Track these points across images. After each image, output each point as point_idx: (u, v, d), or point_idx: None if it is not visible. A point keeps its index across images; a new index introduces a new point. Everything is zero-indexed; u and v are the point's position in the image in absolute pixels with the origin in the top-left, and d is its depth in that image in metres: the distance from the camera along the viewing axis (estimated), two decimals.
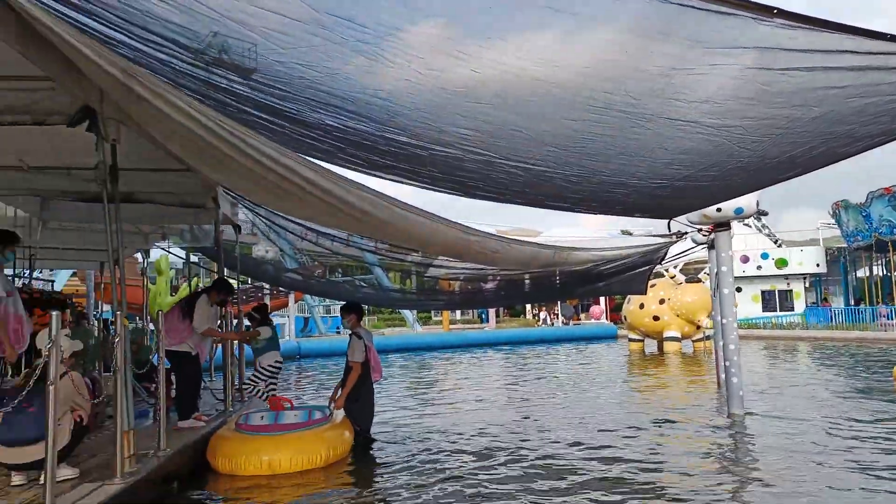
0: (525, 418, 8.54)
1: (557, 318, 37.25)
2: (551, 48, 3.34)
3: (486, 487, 5.21)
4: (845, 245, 28.72)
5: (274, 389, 7.74)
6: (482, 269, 9.76)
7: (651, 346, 20.09)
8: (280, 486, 5.45)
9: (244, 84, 3.98)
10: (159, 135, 4.54)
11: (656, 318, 19.05)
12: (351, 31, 3.12)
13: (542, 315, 37.37)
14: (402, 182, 5.42)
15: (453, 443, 7.05)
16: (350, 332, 7.19)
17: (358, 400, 6.88)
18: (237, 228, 8.98)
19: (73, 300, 10.30)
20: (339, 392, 6.96)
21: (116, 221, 4.71)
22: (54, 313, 3.65)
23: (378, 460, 6.38)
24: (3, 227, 5.84)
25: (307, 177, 4.26)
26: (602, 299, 36.08)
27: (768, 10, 2.78)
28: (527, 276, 10.34)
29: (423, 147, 4.37)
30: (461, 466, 5.94)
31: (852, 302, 29.42)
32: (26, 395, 3.95)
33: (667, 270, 20.89)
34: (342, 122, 4.07)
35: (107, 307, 13.30)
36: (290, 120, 4.29)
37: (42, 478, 3.63)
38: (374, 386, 7.18)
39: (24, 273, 10.16)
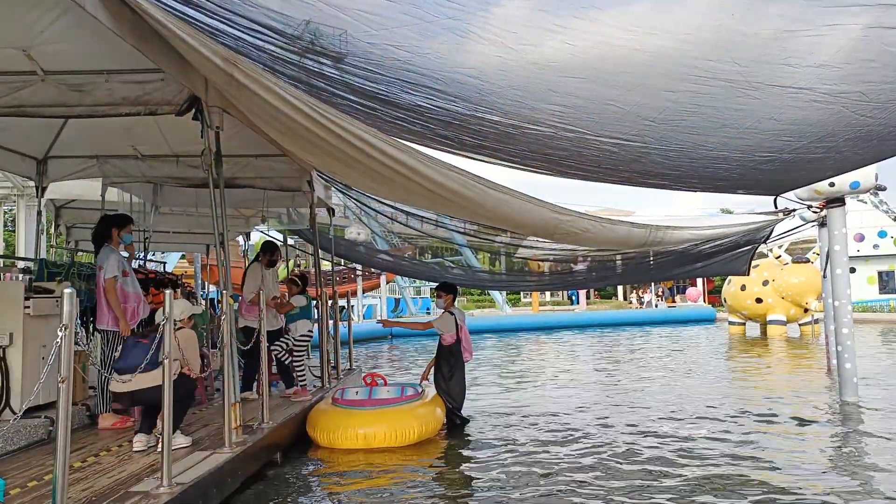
0: (616, 403, 8.36)
1: (661, 298, 35.78)
2: (649, 14, 3.19)
3: (572, 474, 5.13)
4: None
5: (302, 360, 7.18)
6: (572, 249, 9.58)
7: (753, 330, 19.12)
8: (375, 458, 5.62)
9: (336, 68, 4.06)
10: (259, 121, 4.73)
11: (759, 301, 18.09)
12: (441, 7, 3.10)
13: (647, 297, 35.97)
14: (492, 162, 5.38)
15: (543, 425, 7.00)
16: (443, 311, 7.26)
17: (451, 378, 6.97)
18: (331, 211, 9.25)
19: (183, 280, 10.98)
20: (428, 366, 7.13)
21: (221, 206, 4.96)
22: (167, 291, 3.89)
23: (469, 438, 6.44)
24: (121, 212, 6.29)
25: (398, 158, 4.30)
26: (699, 281, 34.62)
27: None
28: (618, 256, 10.06)
29: (514, 125, 4.30)
30: (549, 450, 5.88)
31: None
32: (142, 332, 4.53)
33: (771, 250, 19.76)
34: (432, 103, 4.07)
35: (213, 287, 14.11)
36: (381, 102, 4.34)
37: (159, 445, 3.91)
38: (466, 366, 7.23)
39: (140, 255, 10.94)
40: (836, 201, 7.95)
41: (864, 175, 7.86)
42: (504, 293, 30.56)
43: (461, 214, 6.85)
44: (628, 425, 6.86)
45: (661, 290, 36.53)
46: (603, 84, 3.75)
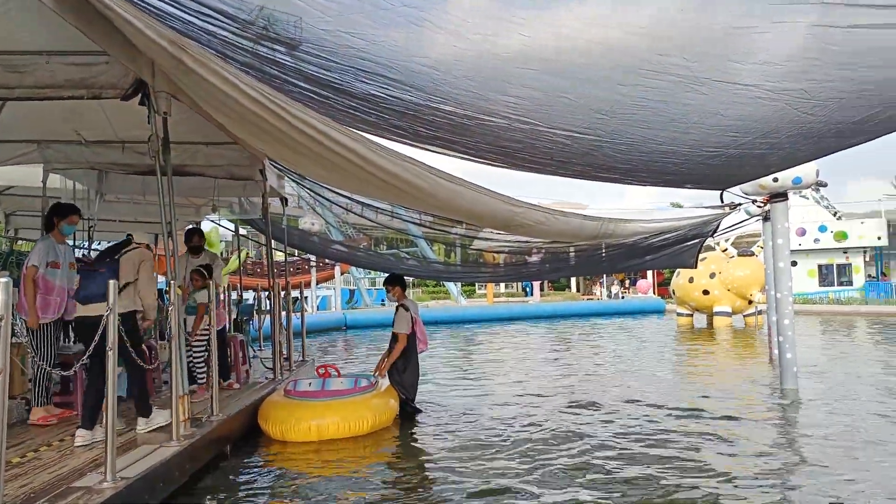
0: (567, 394, 8.51)
1: (627, 290, 36.14)
2: (605, 8, 3.23)
3: (521, 464, 5.21)
4: None
5: (202, 357, 6.53)
6: (527, 241, 9.68)
7: (700, 321, 19.70)
8: (327, 450, 5.58)
9: (290, 56, 3.99)
10: (208, 107, 4.61)
11: (706, 293, 18.63)
12: None
13: (614, 289, 36.39)
14: (446, 153, 5.37)
15: (495, 416, 7.07)
16: (397, 304, 7.26)
17: (405, 370, 6.97)
18: (284, 201, 9.11)
19: None
20: (385, 362, 7.06)
21: (169, 194, 4.82)
22: (111, 282, 3.77)
23: (422, 429, 6.46)
24: (63, 201, 6.05)
25: (352, 147, 4.27)
26: (649, 273, 35.44)
27: None
28: (572, 249, 10.21)
29: (469, 116, 4.31)
30: (500, 441, 5.96)
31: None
32: (98, 262, 4.88)
33: (718, 244, 20.37)
34: (387, 92, 4.04)
35: (161, 278, 13.76)
36: (335, 91, 4.28)
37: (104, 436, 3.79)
38: (420, 357, 7.25)
39: (84, 245, 10.56)
40: (780, 196, 8.24)
41: (806, 171, 8.17)
42: (459, 284, 30.68)
43: (415, 205, 6.84)
44: (578, 415, 6.99)
45: (627, 282, 37.18)
46: (556, 76, 3.79)
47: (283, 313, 8.65)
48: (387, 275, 7.93)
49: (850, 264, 29.53)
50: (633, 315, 26.14)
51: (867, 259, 30.40)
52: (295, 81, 4.29)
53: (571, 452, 5.42)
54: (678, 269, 19.27)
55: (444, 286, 36.79)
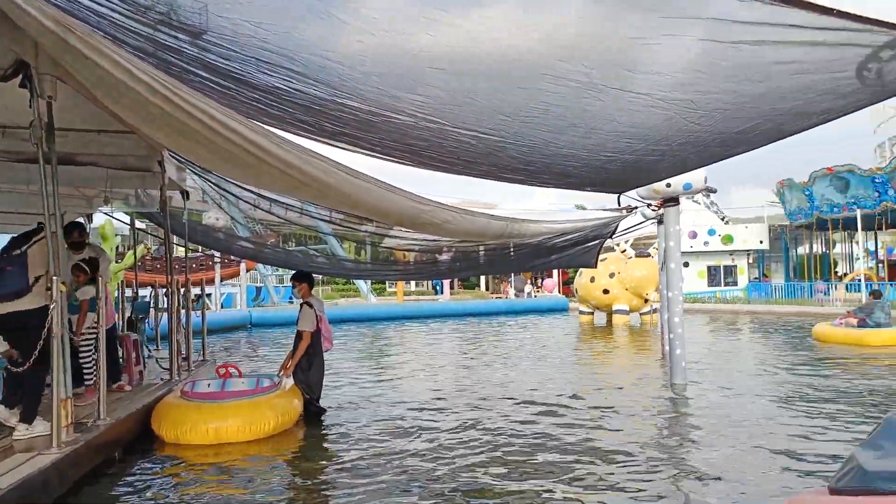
0: (473, 391, 8.66)
1: (538, 289, 36.91)
2: (513, 13, 3.30)
3: (426, 463, 5.26)
4: (788, 223, 29.75)
5: (89, 356, 6.14)
6: (437, 240, 9.75)
7: (600, 319, 20.55)
8: (227, 453, 5.40)
9: (190, 43, 3.83)
10: (99, 93, 4.34)
11: (606, 292, 19.45)
12: None
13: (528, 288, 37.04)
14: (353, 150, 5.33)
15: (402, 414, 7.09)
16: (301, 301, 7.12)
17: (309, 369, 6.85)
18: (185, 194, 8.72)
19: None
20: (289, 361, 6.92)
21: (53, 183, 4.51)
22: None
23: (327, 429, 6.38)
24: None
25: (255, 141, 4.14)
26: (555, 273, 36.59)
27: None
28: (482, 248, 10.38)
29: (375, 113, 4.30)
30: (410, 436, 5.99)
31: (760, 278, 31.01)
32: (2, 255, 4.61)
33: (618, 245, 21.31)
34: (291, 85, 3.97)
35: None
36: (237, 81, 4.15)
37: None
38: (326, 355, 7.15)
39: None
40: (672, 201, 8.73)
41: (696, 178, 8.68)
42: (369, 282, 30.49)
43: (321, 201, 6.72)
44: (484, 411, 7.13)
45: (540, 280, 38.04)
46: (462, 78, 3.84)
47: (183, 311, 8.29)
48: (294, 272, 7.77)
49: (736, 266, 31.70)
50: (539, 313, 26.89)
51: (751, 261, 32.76)
52: (195, 70, 4.12)
53: (478, 447, 5.52)
54: (580, 269, 20.01)
55: (353, 284, 36.43)
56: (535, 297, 34.14)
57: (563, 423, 6.43)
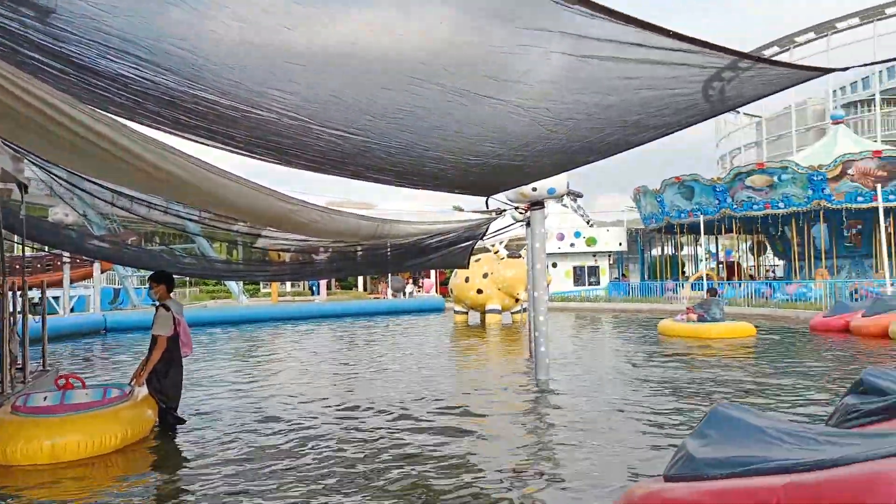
0: (348, 392, 8.56)
1: (420, 289, 36.86)
2: (380, 15, 3.28)
3: (299, 469, 5.13)
4: (643, 226, 32.07)
5: None
6: (308, 240, 9.54)
7: (474, 319, 21.05)
8: (65, 473, 4.94)
9: (21, 24, 3.46)
10: None
11: (480, 292, 19.96)
12: None
13: (409, 288, 36.84)
14: (214, 145, 5.07)
15: (266, 422, 6.86)
16: (158, 303, 6.69)
17: (165, 376, 6.43)
18: (23, 187, 7.90)
19: None
20: (142, 368, 6.46)
21: None
22: None
23: (185, 440, 6.03)
24: None
25: (99, 130, 3.83)
26: (433, 273, 37.04)
27: None
28: (359, 248, 10.29)
29: (234, 108, 4.10)
30: (276, 445, 5.79)
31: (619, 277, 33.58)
32: None
33: (493, 246, 21.95)
34: (138, 74, 3.69)
35: None
36: (77, 67, 3.81)
37: None
38: (186, 361, 6.76)
39: None
40: (537, 204, 9.11)
41: (559, 182, 9.11)
42: (241, 283, 29.27)
43: (181, 199, 6.36)
44: (352, 419, 7.05)
45: (421, 281, 38.15)
46: (325, 75, 3.76)
47: (21, 315, 7.51)
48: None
49: (598, 266, 33.74)
50: (417, 313, 27.11)
51: (611, 262, 35.00)
52: (25, 51, 3.73)
53: (343, 456, 5.43)
54: (455, 270, 20.41)
55: (224, 285, 34.86)
56: (416, 296, 34.40)
57: (424, 426, 6.49)
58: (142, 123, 4.61)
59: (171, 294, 6.87)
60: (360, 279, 43.13)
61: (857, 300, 18.59)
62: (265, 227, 8.25)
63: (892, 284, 19.35)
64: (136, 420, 5.72)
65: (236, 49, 3.53)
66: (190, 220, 10.68)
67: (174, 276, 7.51)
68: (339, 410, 7.22)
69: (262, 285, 40.24)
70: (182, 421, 6.56)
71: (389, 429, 6.24)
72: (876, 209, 20.25)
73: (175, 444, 5.93)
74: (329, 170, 5.62)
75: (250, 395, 8.43)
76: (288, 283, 41.14)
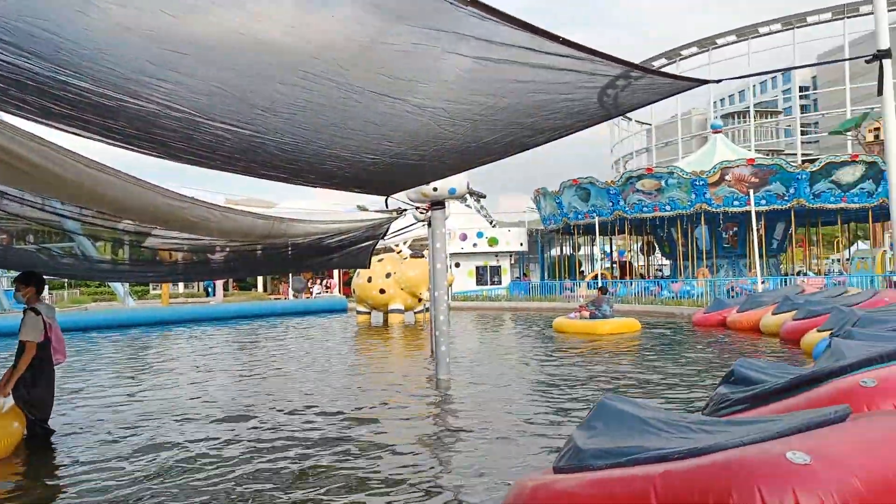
0: (246, 398, 8.24)
1: (327, 289, 35.92)
2: (278, 9, 3.14)
3: (186, 483, 4.86)
4: (542, 227, 33.13)
5: None
6: (202, 239, 9.10)
7: (377, 319, 20.91)
8: None
9: None
10: None
11: (383, 292, 19.85)
12: None
13: (316, 289, 35.79)
14: (91, 137, 4.71)
15: (156, 431, 6.47)
16: (26, 307, 6.15)
17: (34, 385, 5.91)
18: None
19: None
20: (8, 377, 5.91)
21: None
22: None
23: (57, 455, 5.58)
24: None
25: None
26: (336, 273, 36.50)
27: None
28: (259, 247, 9.93)
29: (110, 97, 3.82)
30: (159, 457, 5.46)
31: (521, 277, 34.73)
32: None
33: (396, 245, 21.89)
34: None
35: None
36: None
37: None
38: (58, 369, 6.25)
39: None
40: (438, 204, 9.15)
41: (459, 182, 9.20)
42: (128, 284, 27.59)
43: (54, 195, 5.89)
44: (243, 425, 6.80)
45: (328, 281, 37.30)
46: (210, 65, 3.58)
47: None
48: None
49: (500, 266, 34.48)
50: (319, 314, 26.59)
51: (513, 262, 35.88)
52: None
53: (228, 468, 5.16)
54: (358, 270, 20.18)
55: (108, 286, 32.71)
56: (321, 296, 33.77)
57: (326, 426, 6.37)
58: (4, 111, 4.21)
59: (42, 296, 6.32)
60: (260, 279, 41.83)
61: (733, 297, 20.08)
62: (154, 225, 7.80)
63: (762, 283, 21.03)
64: (2, 434, 5.22)
65: (108, 33, 3.28)
66: (68, 217, 9.92)
67: (52, 277, 6.93)
68: (229, 418, 6.92)
69: (151, 286, 38.16)
70: (52, 432, 6.06)
71: (282, 435, 6.05)
72: (749, 213, 21.92)
73: (44, 458, 5.47)
74: (219, 165, 5.36)
75: (130, 403, 7.92)
76: (181, 284, 39.25)
